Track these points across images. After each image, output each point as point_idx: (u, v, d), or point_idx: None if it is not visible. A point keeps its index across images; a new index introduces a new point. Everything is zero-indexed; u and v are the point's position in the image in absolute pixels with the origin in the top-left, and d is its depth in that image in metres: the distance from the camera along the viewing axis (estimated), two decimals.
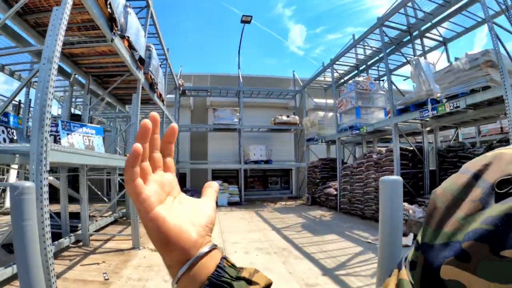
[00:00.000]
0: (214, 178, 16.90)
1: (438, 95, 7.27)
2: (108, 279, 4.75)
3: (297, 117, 16.23)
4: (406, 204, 7.66)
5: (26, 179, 9.30)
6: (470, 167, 0.44)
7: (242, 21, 16.03)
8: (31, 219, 2.55)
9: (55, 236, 3.54)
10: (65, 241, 6.16)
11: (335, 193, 11.96)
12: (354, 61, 13.34)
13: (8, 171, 13.02)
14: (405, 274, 0.44)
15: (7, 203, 11.78)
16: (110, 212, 9.91)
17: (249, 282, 0.44)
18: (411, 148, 9.18)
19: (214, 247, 0.46)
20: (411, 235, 6.80)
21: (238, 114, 15.33)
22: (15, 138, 5.00)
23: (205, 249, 0.45)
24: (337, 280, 4.78)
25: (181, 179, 16.07)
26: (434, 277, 0.37)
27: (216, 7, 76.32)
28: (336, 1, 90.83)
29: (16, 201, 2.50)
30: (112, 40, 5.21)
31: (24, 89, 9.11)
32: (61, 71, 6.97)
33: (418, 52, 10.33)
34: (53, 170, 11.64)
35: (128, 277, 4.82)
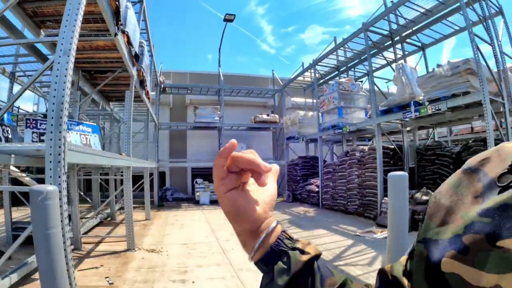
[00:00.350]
0: (194, 176, 17.01)
1: (421, 98, 7.96)
2: (112, 283, 4.68)
3: (277, 116, 16.71)
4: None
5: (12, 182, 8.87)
6: (472, 162, 0.45)
7: (225, 20, 16.28)
8: (56, 226, 2.41)
9: None
10: None
11: (317, 190, 12.55)
12: (335, 62, 13.99)
13: None
14: (403, 259, 0.52)
15: None
16: (93, 213, 9.91)
17: (302, 251, 0.52)
18: (392, 147, 9.88)
19: (278, 223, 0.55)
20: None
21: (219, 112, 15.57)
22: (9, 136, 4.87)
23: (273, 224, 0.53)
24: (337, 270, 5.17)
25: (161, 178, 16.10)
26: (437, 271, 0.39)
27: (188, 2, 75.45)
28: (309, 0, 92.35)
29: (40, 207, 2.32)
30: (116, 35, 5.17)
31: (7, 84, 8.90)
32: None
33: (398, 56, 11.09)
34: (29, 170, 11.35)
35: (133, 280, 4.79)
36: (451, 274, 0.36)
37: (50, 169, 2.96)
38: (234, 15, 15.90)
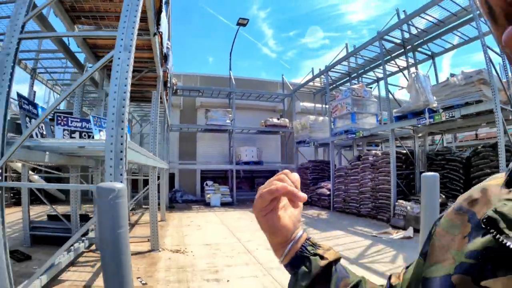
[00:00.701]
0: (203, 178, 17.58)
1: (434, 105, 8.53)
2: (146, 283, 4.75)
3: (287, 120, 17.31)
4: (403, 202, 8.88)
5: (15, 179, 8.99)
6: (464, 204, 0.49)
7: (238, 24, 16.89)
8: (125, 226, 2.37)
9: (64, 240, 3.47)
10: (80, 246, 5.86)
11: (328, 193, 13.10)
12: (346, 68, 14.60)
13: None
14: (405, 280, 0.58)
15: None
16: None
17: (322, 257, 0.62)
18: (404, 152, 10.43)
19: (304, 232, 0.65)
20: (411, 228, 7.98)
21: (230, 115, 16.12)
22: (44, 133, 4.82)
23: (300, 233, 0.64)
24: (364, 267, 5.69)
25: (170, 179, 16.59)
26: None
27: (192, 6, 76.10)
28: (311, 5, 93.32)
29: (111, 206, 2.29)
30: (155, 35, 5.33)
31: (28, 80, 9.10)
32: (77, 63, 7.10)
33: (409, 64, 11.69)
34: (39, 169, 11.76)
35: (166, 280, 4.88)
36: None
37: (111, 166, 2.94)
38: (248, 19, 16.52)
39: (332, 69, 14.22)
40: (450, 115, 7.78)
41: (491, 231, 0.37)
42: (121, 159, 2.99)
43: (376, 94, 14.22)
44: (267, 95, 18.02)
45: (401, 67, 11.67)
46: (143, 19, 5.03)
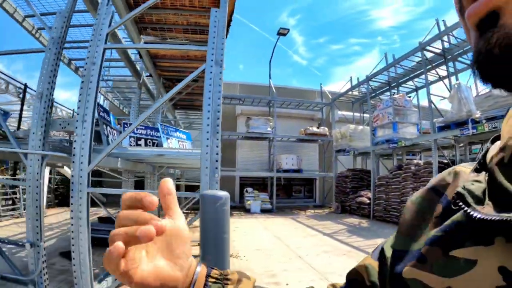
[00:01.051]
0: (242, 185, 18.41)
1: (477, 115, 8.84)
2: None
3: (326, 129, 17.86)
4: None
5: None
6: (436, 184, 0.53)
7: (278, 33, 17.70)
8: (228, 231, 2.60)
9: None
10: None
11: (368, 201, 13.48)
12: (385, 78, 15.01)
13: None
14: (374, 263, 0.58)
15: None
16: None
17: None
18: (446, 161, 10.72)
19: (200, 267, 0.56)
20: None
21: (271, 123, 16.87)
22: (114, 139, 4.89)
23: (195, 276, 0.54)
24: None
25: None
26: (399, 278, 0.47)
27: None
28: (341, 12, 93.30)
29: (217, 212, 2.52)
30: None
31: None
32: (135, 71, 7.61)
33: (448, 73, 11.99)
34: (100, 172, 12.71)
35: None
36: (412, 280, 0.44)
37: (206, 175, 3.11)
38: (288, 29, 17.27)
39: (374, 79, 14.72)
40: (493, 126, 8.09)
41: (460, 204, 0.40)
42: (216, 168, 3.17)
43: (415, 103, 14.53)
44: (306, 103, 18.65)
45: (441, 76, 11.98)
46: (201, 31, 5.47)
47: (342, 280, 0.63)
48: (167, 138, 5.43)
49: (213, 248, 2.51)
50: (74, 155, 3.15)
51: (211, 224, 2.55)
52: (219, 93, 3.32)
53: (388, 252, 0.53)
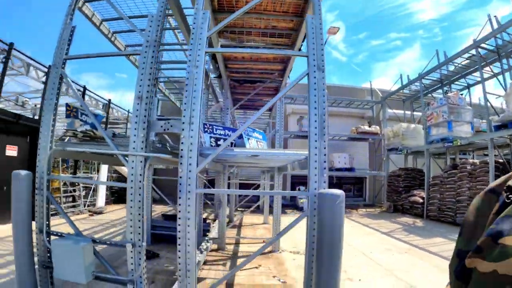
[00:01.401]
0: (293, 183, 19.06)
1: None
2: (284, 281, 5.10)
3: (378, 127, 18.05)
4: None
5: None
6: (495, 186, 0.59)
7: (328, 32, 17.97)
8: (343, 227, 2.79)
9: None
10: (209, 245, 6.49)
11: (421, 201, 13.63)
12: (437, 75, 15.00)
13: (98, 170, 15.45)
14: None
15: (100, 203, 13.94)
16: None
17: None
18: (501, 161, 10.71)
19: None
20: None
21: None
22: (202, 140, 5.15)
23: None
24: None
25: None
26: (465, 269, 0.53)
27: None
28: (379, 6, 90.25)
29: (334, 210, 2.70)
30: (300, 49, 5.60)
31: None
32: (205, 73, 7.91)
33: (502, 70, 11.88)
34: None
35: (302, 278, 5.29)
36: (472, 268, 0.50)
37: (315, 175, 3.27)
38: (338, 28, 17.49)
39: (427, 77, 14.80)
40: None
41: (509, 196, 0.46)
42: (324, 168, 3.27)
43: (468, 101, 14.42)
44: (357, 102, 18.91)
45: (495, 73, 11.91)
46: (288, 35, 5.64)
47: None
48: (248, 139, 5.44)
49: (328, 244, 2.68)
50: (181, 156, 3.26)
51: (329, 221, 2.69)
52: (323, 97, 3.40)
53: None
